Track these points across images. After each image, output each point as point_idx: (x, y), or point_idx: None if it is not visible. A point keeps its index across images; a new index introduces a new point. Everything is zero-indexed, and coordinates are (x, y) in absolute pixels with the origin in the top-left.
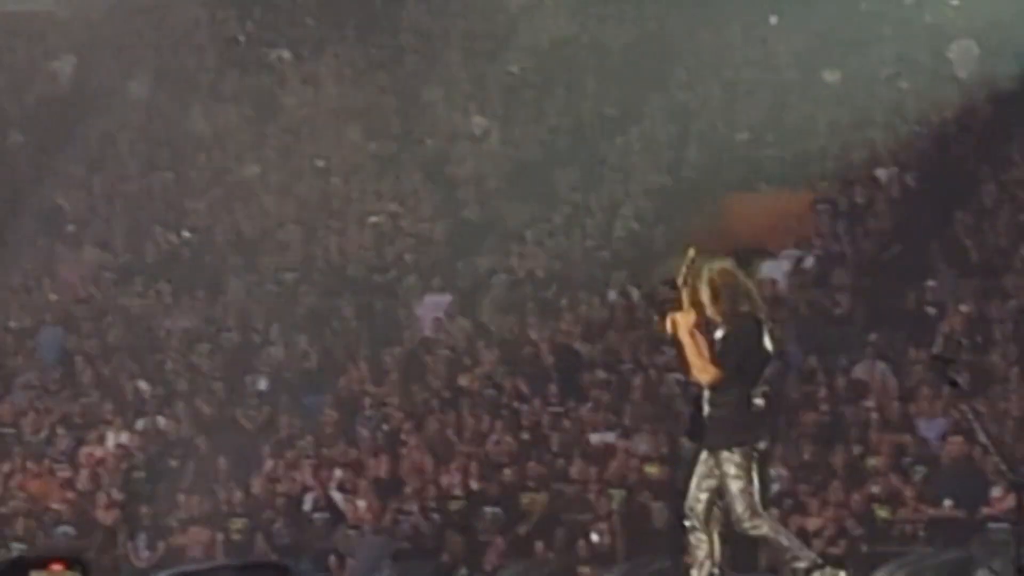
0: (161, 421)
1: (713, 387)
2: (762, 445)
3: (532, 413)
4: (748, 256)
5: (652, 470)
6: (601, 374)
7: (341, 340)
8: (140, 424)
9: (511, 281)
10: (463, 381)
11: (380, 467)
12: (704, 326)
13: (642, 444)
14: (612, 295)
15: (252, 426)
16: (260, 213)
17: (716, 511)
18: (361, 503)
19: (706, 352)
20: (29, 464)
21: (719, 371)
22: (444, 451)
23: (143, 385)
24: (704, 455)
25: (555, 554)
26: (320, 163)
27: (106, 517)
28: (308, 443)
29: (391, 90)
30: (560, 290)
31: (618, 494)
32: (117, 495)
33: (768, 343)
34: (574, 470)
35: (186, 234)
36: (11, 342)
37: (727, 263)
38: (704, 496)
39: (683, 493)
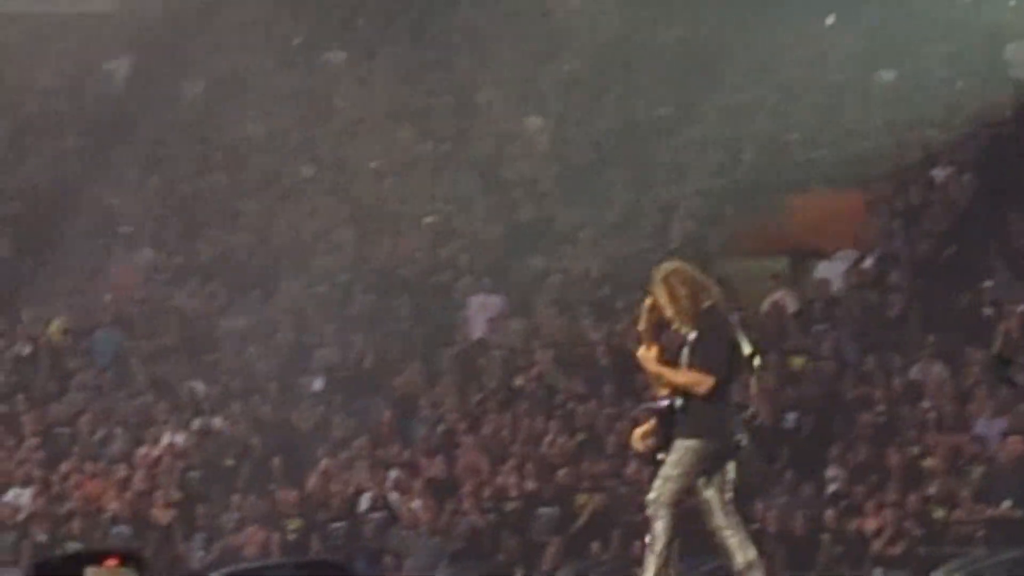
0: (216, 421)
1: (711, 395)
2: (742, 441)
3: (587, 414)
4: (803, 257)
5: None
6: None
7: (396, 341)
8: (196, 424)
9: (565, 282)
10: (518, 382)
11: (435, 468)
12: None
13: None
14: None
15: (307, 426)
16: (314, 214)
17: (729, 506)
18: (417, 504)
19: (686, 369)
20: (86, 464)
21: (710, 377)
22: (499, 452)
23: (198, 385)
24: None
25: (611, 555)
26: (374, 164)
27: (162, 517)
28: (363, 443)
29: (444, 91)
30: (615, 291)
31: None
32: (173, 495)
33: (741, 334)
34: (629, 470)
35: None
36: (67, 343)
37: (677, 263)
38: (716, 499)
39: (738, 491)
